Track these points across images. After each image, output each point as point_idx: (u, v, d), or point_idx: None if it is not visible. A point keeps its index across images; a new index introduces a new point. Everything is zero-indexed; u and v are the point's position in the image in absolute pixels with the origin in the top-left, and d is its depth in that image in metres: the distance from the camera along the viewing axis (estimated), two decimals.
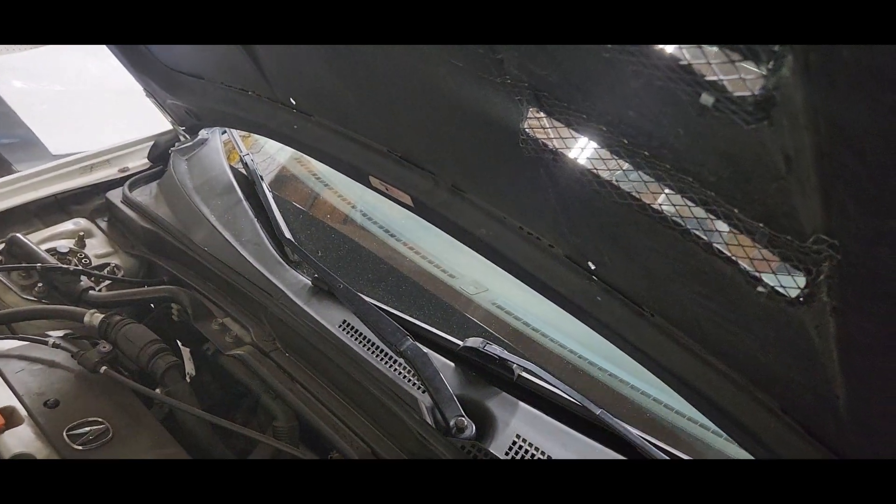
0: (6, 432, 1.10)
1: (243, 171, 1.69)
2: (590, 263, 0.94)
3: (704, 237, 0.64)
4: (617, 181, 0.71)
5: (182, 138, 1.80)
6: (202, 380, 1.54)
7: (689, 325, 0.82)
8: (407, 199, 1.18)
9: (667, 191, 0.63)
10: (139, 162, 1.82)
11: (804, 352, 0.67)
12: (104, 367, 1.22)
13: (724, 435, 0.95)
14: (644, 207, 0.67)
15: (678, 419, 1.13)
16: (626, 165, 0.67)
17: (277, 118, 1.38)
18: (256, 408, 1.32)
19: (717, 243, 0.63)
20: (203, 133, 1.82)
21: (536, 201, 0.95)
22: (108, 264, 1.56)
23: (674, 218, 0.65)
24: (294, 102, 1.31)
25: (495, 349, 1.19)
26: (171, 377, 1.25)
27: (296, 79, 1.29)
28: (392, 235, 1.56)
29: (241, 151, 1.72)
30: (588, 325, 0.98)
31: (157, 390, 1.26)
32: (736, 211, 0.57)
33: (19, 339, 1.29)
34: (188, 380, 1.59)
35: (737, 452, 1.00)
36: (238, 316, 1.37)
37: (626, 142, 0.62)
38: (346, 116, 1.22)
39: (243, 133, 1.81)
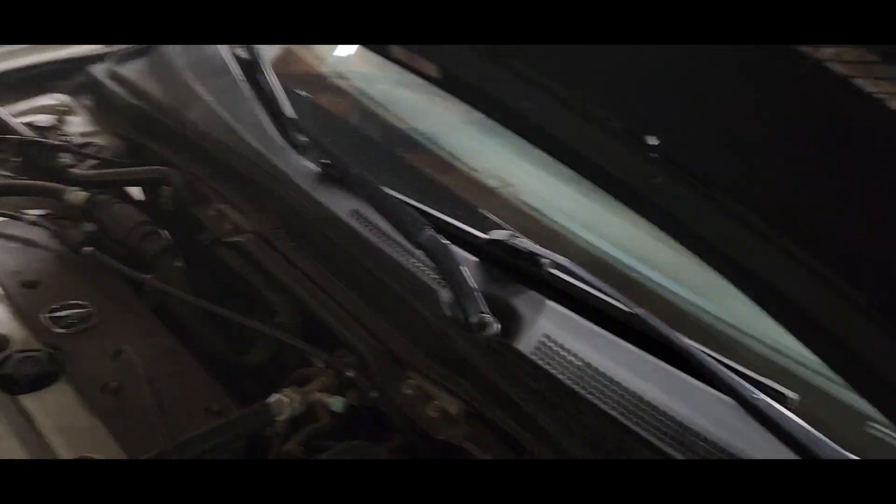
0: None
1: (241, 52, 1.53)
2: (649, 138, 0.82)
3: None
4: None
5: None
6: (199, 273, 1.43)
7: (775, 209, 0.71)
8: (432, 70, 1.04)
9: None
10: None
11: None
12: (89, 248, 1.10)
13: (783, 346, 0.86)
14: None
15: (728, 328, 1.03)
16: None
17: None
18: (255, 304, 1.21)
19: None
20: None
21: (591, 61, 0.82)
22: (90, 144, 1.42)
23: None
24: None
25: (523, 242, 1.08)
26: (163, 261, 1.14)
27: None
28: (406, 123, 1.42)
29: None
30: (642, 214, 0.87)
31: (148, 276, 1.15)
32: None
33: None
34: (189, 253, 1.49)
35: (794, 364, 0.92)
36: (237, 201, 1.24)
37: None
38: None
39: None
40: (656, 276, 1.13)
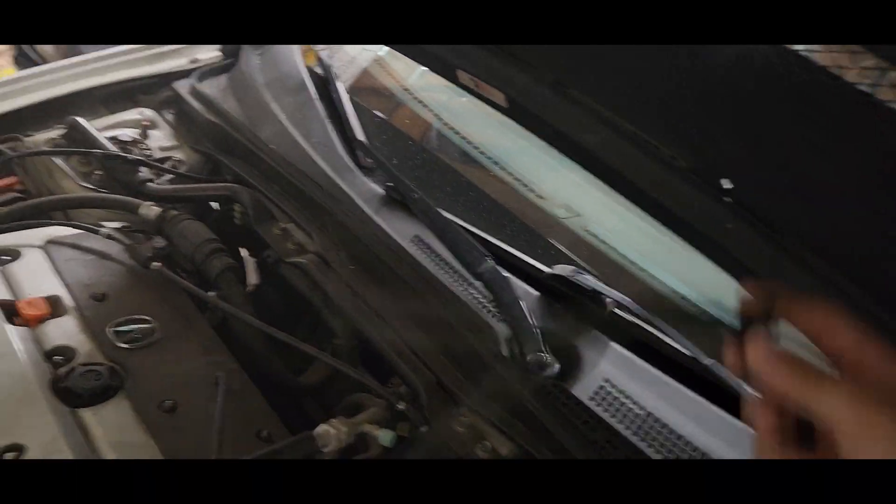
0: (50, 321, 1.03)
1: (318, 70, 1.55)
2: (723, 181, 0.76)
3: None
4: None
5: None
6: (263, 290, 1.45)
7: (857, 264, 0.64)
8: (500, 98, 1.01)
9: None
10: (211, 54, 1.70)
11: None
12: (156, 263, 1.13)
13: None
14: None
15: None
16: None
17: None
18: (317, 324, 1.21)
19: None
20: None
21: (660, 98, 0.77)
22: (169, 158, 1.46)
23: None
24: None
25: (587, 279, 1.03)
26: (227, 280, 1.15)
27: None
28: (475, 148, 1.40)
29: (318, 48, 1.58)
30: (712, 259, 0.81)
31: (211, 293, 1.17)
32: None
33: (72, 227, 1.20)
34: (251, 288, 1.51)
35: None
36: (302, 221, 1.25)
37: None
38: None
39: None
40: (730, 323, 1.05)
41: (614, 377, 0.97)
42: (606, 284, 1.06)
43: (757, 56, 0.61)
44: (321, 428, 0.93)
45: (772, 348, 0.45)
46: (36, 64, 4.08)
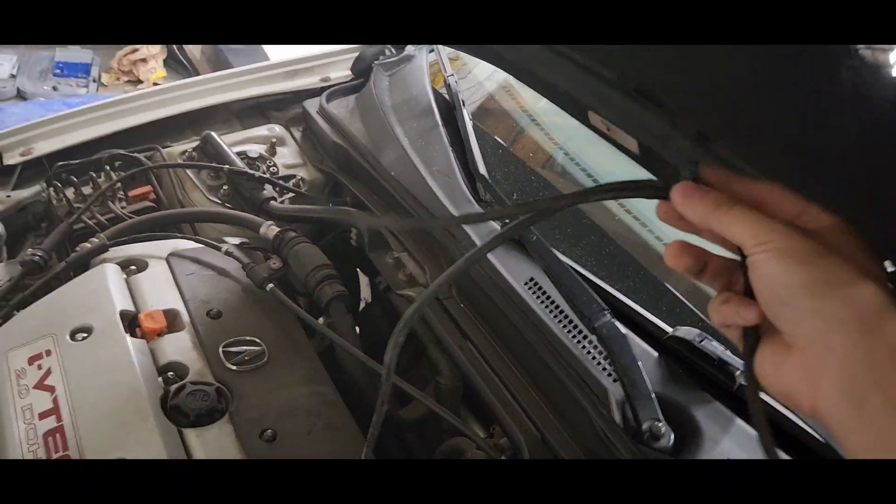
0: (167, 336, 1.05)
1: (445, 94, 1.53)
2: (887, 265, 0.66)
3: None
4: None
5: (388, 52, 1.68)
6: (372, 312, 1.45)
7: None
8: (632, 145, 0.94)
9: None
10: (341, 73, 1.73)
11: None
12: (271, 285, 1.14)
13: None
14: None
15: None
16: None
17: None
18: (422, 355, 1.19)
19: None
20: (409, 49, 1.68)
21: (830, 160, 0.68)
22: (294, 176, 1.48)
23: None
24: None
25: (714, 346, 0.95)
26: (336, 308, 1.15)
27: None
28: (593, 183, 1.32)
29: (447, 72, 1.56)
30: None
31: (320, 319, 1.17)
32: None
33: (195, 241, 1.24)
34: (363, 305, 1.51)
35: None
36: (416, 252, 1.23)
37: None
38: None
39: (451, 54, 1.65)
40: None
41: (738, 457, 0.88)
42: (735, 352, 0.97)
43: None
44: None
45: (693, 186, 0.49)
46: (185, 66, 4.36)
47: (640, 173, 0.97)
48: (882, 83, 0.47)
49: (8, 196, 1.36)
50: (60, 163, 1.37)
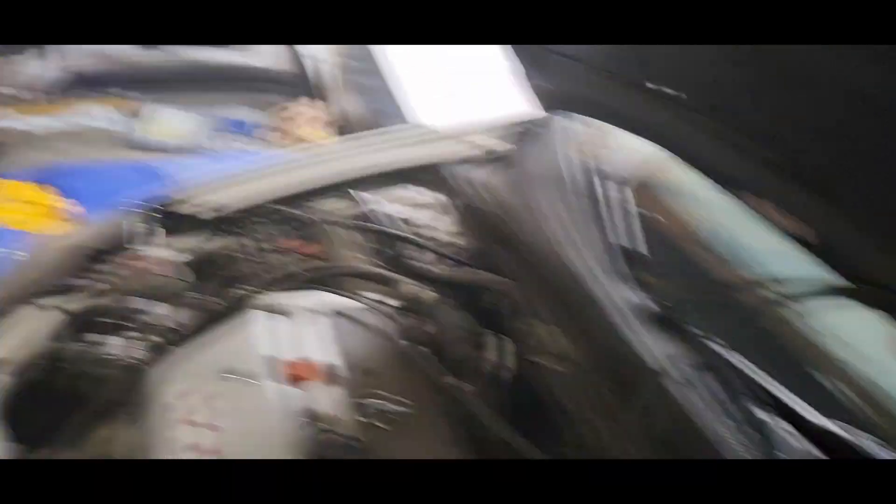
0: (318, 386, 1.12)
1: (594, 165, 1.53)
2: None
3: None
4: None
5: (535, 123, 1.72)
6: (511, 384, 1.45)
7: None
8: (809, 235, 0.90)
9: None
10: (491, 141, 1.76)
11: None
12: (424, 348, 1.18)
13: None
14: None
15: None
16: None
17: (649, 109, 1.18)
18: (549, 432, 1.17)
19: None
20: (558, 120, 1.70)
21: None
22: (452, 244, 1.54)
23: None
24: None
25: (865, 443, 0.87)
26: (481, 376, 1.16)
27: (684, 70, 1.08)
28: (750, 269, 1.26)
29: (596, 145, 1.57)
30: None
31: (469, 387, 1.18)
32: None
33: (359, 301, 1.31)
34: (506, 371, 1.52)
35: None
36: (561, 326, 1.22)
37: None
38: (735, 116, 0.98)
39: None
40: None
41: None
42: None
43: None
44: None
45: None
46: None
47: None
48: None
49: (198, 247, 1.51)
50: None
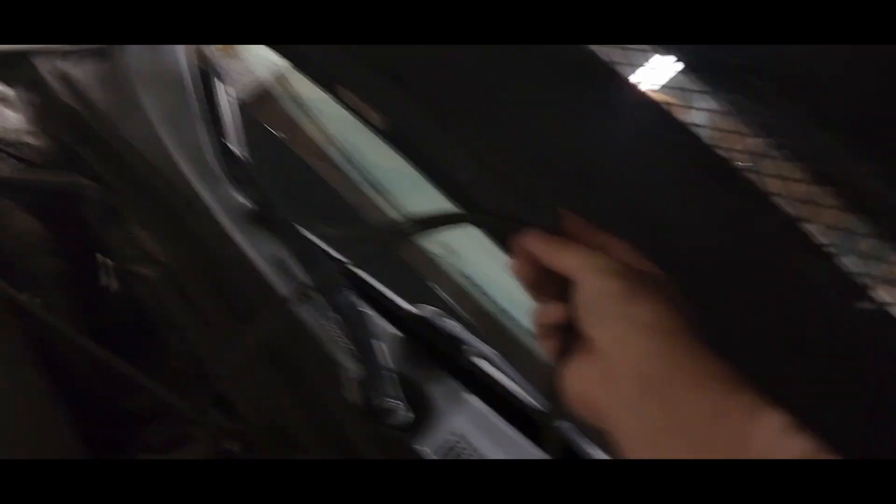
0: None
1: (204, 67, 1.44)
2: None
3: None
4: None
5: None
6: (109, 296, 1.31)
7: (719, 339, 0.60)
8: (380, 122, 0.94)
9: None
10: None
11: None
12: None
13: None
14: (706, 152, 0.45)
15: None
16: None
17: None
18: (151, 344, 1.09)
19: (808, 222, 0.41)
20: None
21: (554, 151, 0.72)
22: (19, 141, 1.30)
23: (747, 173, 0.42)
24: None
25: (450, 324, 0.97)
26: (52, 285, 1.02)
27: None
28: (363, 177, 1.32)
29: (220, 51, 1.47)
30: None
31: (36, 299, 1.03)
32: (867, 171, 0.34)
33: None
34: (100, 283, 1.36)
35: None
36: (155, 229, 1.13)
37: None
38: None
39: None
40: None
41: (469, 433, 0.90)
42: (472, 331, 1.00)
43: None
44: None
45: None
46: None
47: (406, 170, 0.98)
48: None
49: None
50: None
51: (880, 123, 0.34)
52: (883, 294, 0.40)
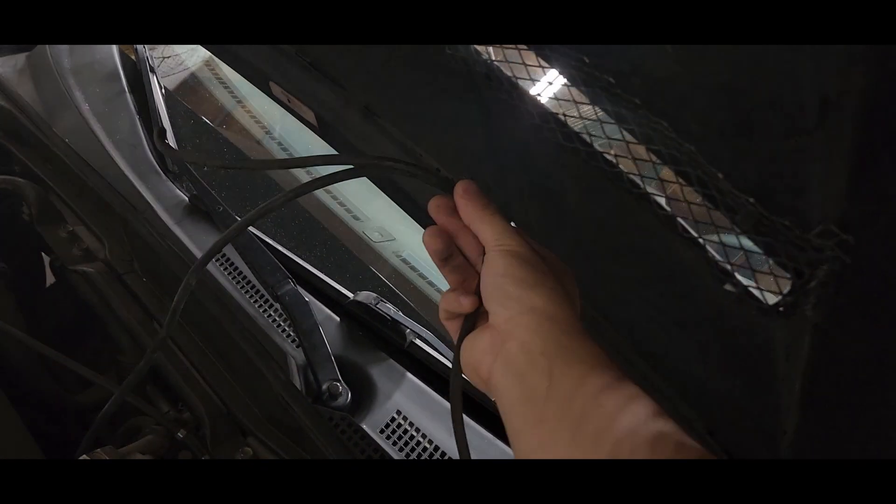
0: None
1: (134, 59, 1.44)
2: (511, 223, 0.77)
3: (667, 208, 0.47)
4: (564, 116, 0.53)
5: None
6: (54, 294, 1.32)
7: (618, 313, 0.67)
8: (310, 116, 0.98)
9: (628, 138, 0.46)
10: None
11: (760, 373, 0.53)
12: None
13: None
14: (594, 157, 0.50)
15: None
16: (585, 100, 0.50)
17: None
18: (100, 339, 1.11)
19: (683, 218, 0.47)
20: None
21: (461, 140, 0.77)
22: None
23: (630, 176, 0.48)
24: None
25: (388, 308, 1.02)
26: None
27: None
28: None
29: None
30: None
31: None
32: (720, 176, 0.40)
33: None
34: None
35: None
36: (94, 226, 1.14)
37: (586, 61, 0.44)
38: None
39: None
40: None
41: (407, 410, 0.96)
42: (409, 313, 1.05)
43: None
44: (84, 458, 0.85)
45: (475, 186, 0.54)
46: None
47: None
48: None
49: None
50: None
51: (731, 135, 0.40)
52: (741, 277, 0.46)
